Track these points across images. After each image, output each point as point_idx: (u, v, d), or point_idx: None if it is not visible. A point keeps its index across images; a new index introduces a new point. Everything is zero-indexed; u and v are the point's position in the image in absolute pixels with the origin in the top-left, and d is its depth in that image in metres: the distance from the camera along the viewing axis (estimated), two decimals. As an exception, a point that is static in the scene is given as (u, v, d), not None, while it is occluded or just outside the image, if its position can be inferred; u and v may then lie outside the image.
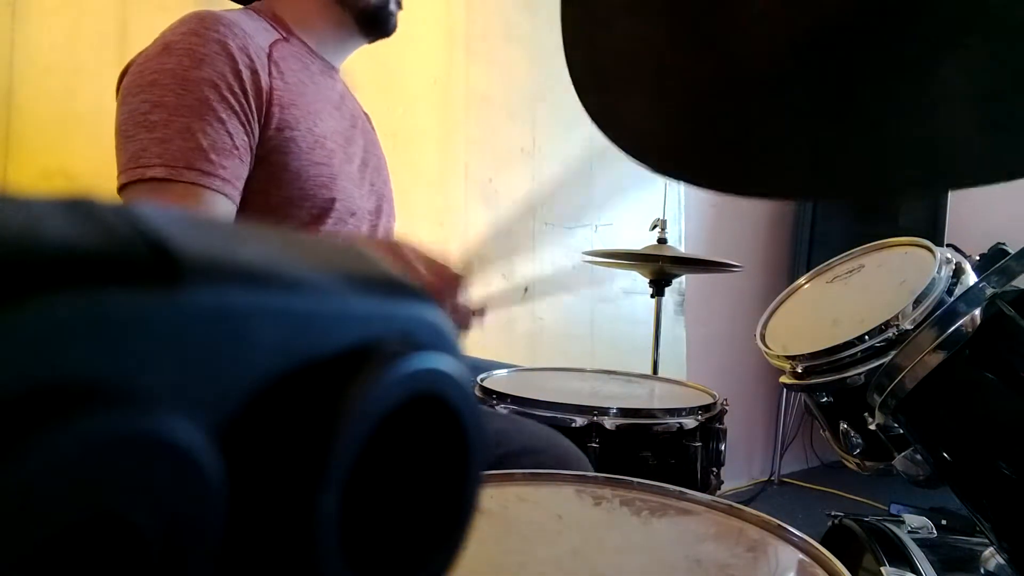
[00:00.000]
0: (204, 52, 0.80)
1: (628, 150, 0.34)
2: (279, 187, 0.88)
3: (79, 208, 0.11)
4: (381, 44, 1.05)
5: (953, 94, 0.28)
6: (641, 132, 0.35)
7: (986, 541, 0.75)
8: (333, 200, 0.92)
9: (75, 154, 1.19)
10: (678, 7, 0.31)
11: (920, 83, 0.29)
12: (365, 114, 1.12)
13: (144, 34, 0.85)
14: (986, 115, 0.28)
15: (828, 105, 0.31)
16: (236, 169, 0.81)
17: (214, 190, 0.79)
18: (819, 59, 0.30)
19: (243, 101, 0.82)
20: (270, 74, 0.87)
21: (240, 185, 0.83)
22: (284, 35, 0.95)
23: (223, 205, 0.80)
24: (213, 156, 0.78)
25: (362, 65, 1.08)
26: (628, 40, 0.33)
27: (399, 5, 1.01)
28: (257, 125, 0.85)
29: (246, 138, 0.83)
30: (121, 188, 0.78)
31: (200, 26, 0.82)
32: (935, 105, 0.29)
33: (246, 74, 0.83)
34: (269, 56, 0.88)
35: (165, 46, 0.81)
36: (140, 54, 0.84)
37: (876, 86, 0.30)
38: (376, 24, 1.00)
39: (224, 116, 0.80)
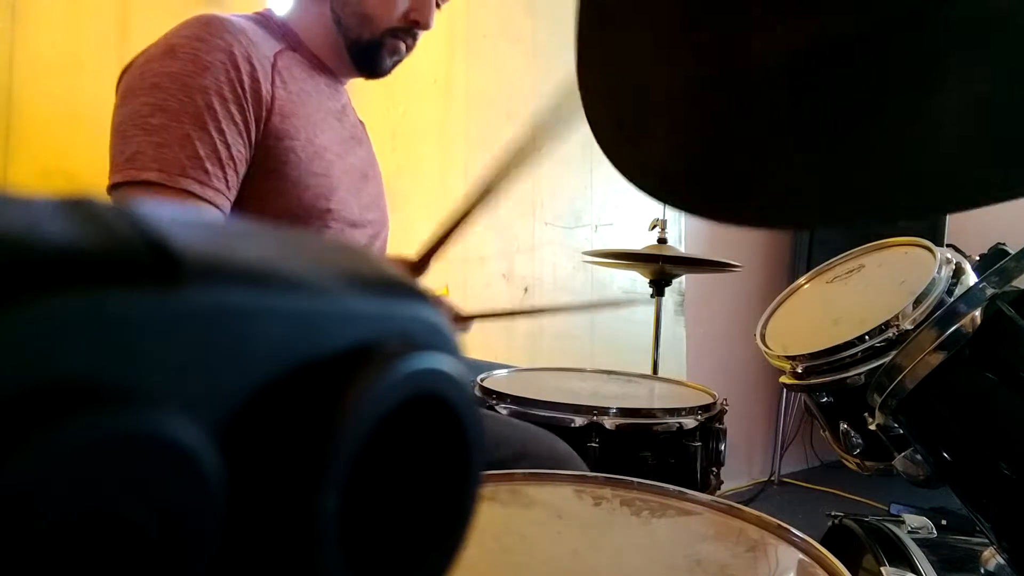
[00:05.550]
0: (208, 60, 0.80)
1: (648, 190, 0.36)
2: (277, 196, 0.87)
3: (79, 208, 0.11)
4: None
5: (950, 113, 0.29)
6: (659, 172, 0.36)
7: (986, 541, 0.75)
8: (329, 211, 0.92)
9: (75, 154, 1.18)
10: (690, 51, 0.32)
11: (917, 105, 0.29)
12: (362, 125, 1.12)
13: (144, 34, 0.85)
14: (983, 134, 0.29)
15: (828, 135, 0.31)
16: (230, 180, 0.81)
17: (206, 200, 0.78)
18: (819, 89, 0.30)
19: (243, 112, 0.82)
20: (273, 83, 0.86)
21: (232, 196, 0.83)
22: (292, 45, 0.94)
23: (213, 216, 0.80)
24: (208, 166, 0.78)
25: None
26: (644, 86, 0.34)
27: (395, 52, 0.99)
28: (255, 135, 0.84)
29: (243, 150, 0.83)
30: (112, 187, 0.78)
31: (206, 32, 0.81)
32: (932, 126, 0.30)
33: (248, 83, 0.82)
34: (273, 65, 0.88)
35: (169, 48, 0.80)
36: (142, 53, 0.83)
37: (874, 109, 0.30)
38: (365, 61, 0.99)
39: (224, 127, 0.80)
